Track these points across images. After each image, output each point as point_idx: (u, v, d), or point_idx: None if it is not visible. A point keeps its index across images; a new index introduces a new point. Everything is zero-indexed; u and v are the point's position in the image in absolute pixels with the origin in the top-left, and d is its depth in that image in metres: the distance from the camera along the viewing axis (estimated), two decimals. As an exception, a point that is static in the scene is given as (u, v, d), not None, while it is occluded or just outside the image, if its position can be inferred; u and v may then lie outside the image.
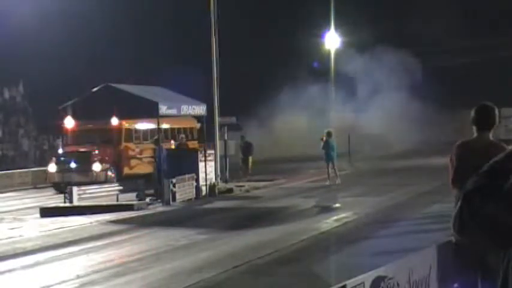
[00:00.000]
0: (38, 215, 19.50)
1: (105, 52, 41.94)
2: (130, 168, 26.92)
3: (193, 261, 12.19)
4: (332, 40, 44.95)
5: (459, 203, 2.12)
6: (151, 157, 26.28)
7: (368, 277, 5.81)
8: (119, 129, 26.80)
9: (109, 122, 25.15)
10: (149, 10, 44.48)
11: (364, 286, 5.65)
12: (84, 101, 25.71)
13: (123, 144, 27.22)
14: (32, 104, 39.98)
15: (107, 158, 26.61)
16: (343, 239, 14.14)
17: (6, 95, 40.78)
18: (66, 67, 39.75)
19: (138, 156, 27.51)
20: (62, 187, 25.61)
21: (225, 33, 26.58)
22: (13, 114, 40.45)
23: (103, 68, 37.04)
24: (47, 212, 19.61)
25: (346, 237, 14.26)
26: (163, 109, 25.00)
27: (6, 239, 15.69)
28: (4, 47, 30.51)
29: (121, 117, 25.13)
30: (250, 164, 29.27)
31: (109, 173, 26.47)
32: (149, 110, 24.27)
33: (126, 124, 26.80)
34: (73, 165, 26.32)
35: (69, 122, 26.42)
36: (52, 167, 27.04)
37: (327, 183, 25.74)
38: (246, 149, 29.36)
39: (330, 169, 26.07)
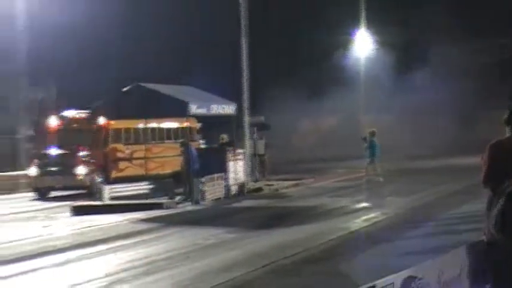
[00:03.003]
0: (69, 213, 19.68)
1: (135, 52, 42.23)
2: (119, 171, 24.77)
3: (222, 260, 12.21)
4: (362, 39, 44.81)
5: (501, 202, 2.09)
6: (145, 158, 25.07)
7: (398, 277, 5.76)
8: (105, 129, 24.77)
9: (95, 122, 24.10)
10: (178, 10, 44.66)
11: (393, 286, 5.61)
12: (115, 100, 25.91)
13: (111, 145, 24.93)
14: (64, 104, 40.30)
15: (92, 160, 24.56)
16: (372, 239, 14.06)
17: (40, 95, 41.27)
18: (97, 67, 40.08)
19: (128, 158, 25.27)
20: (44, 192, 24.77)
21: (253, 32, 26.52)
22: (46, 114, 40.80)
23: (133, 68, 37.27)
24: (78, 210, 19.77)
25: (375, 237, 14.18)
26: (193, 108, 25.05)
27: (38, 237, 15.86)
28: (38, 48, 30.93)
29: (151, 117, 25.15)
30: (267, 163, 28.58)
31: (95, 176, 24.40)
32: (179, 110, 24.34)
33: (113, 124, 24.87)
34: (55, 168, 24.42)
35: (53, 121, 25.97)
36: (33, 171, 25.01)
37: (380, 179, 25.61)
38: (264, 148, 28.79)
39: (376, 166, 25.91)
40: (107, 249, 13.99)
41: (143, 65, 38.91)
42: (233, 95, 26.42)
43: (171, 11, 44.33)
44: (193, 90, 27.54)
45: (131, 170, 24.94)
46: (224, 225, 16.65)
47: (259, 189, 24.50)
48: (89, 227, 17.18)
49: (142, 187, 22.56)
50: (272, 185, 25.82)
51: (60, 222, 18.47)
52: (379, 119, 38.72)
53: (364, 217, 17.29)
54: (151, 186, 22.42)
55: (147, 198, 21.45)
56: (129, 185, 22.81)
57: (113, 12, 40.53)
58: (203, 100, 26.15)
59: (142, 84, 26.06)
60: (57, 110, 27.29)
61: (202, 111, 24.87)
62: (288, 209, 19.97)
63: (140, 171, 24.80)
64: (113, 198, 21.01)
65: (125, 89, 26.32)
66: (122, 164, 25.00)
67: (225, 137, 25.03)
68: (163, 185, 22.50)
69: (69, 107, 26.44)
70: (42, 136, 26.38)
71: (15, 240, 15.29)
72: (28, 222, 18.64)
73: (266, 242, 14.05)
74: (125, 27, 42.03)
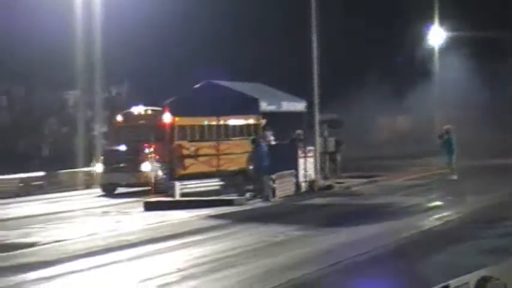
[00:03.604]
0: (142, 209, 19.99)
1: (205, 50, 42.59)
2: (184, 168, 24.44)
3: (290, 258, 12.18)
4: (436, 35, 44.04)
5: None
6: (212, 155, 24.96)
7: (472, 277, 5.62)
8: (171, 126, 24.31)
9: (161, 119, 23.99)
10: (247, 8, 44.85)
11: (468, 286, 5.48)
12: (187, 97, 26.20)
13: (176, 142, 24.50)
14: (137, 101, 40.96)
15: (158, 157, 24.27)
16: (445, 238, 13.81)
17: (113, 92, 42.10)
18: (170, 64, 40.59)
19: (193, 155, 24.83)
20: (110, 189, 24.76)
21: (323, 29, 26.30)
22: (119, 110, 41.52)
23: (206, 65, 37.57)
24: (150, 206, 20.04)
25: (448, 236, 13.92)
26: (263, 105, 25.13)
27: (111, 231, 16.17)
28: (110, 44, 31.50)
29: (222, 114, 25.24)
30: (338, 161, 28.29)
31: (159, 173, 24.16)
32: (250, 106, 24.45)
33: (179, 121, 24.51)
34: (121, 165, 24.40)
35: (119, 118, 25.93)
36: (99, 167, 25.22)
37: (455, 177, 25.29)
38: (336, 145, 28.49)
39: (451, 164, 25.64)
40: (178, 244, 14.15)
41: (215, 62, 39.21)
42: (304, 93, 26.31)
43: (241, 9, 44.57)
44: (263, 87, 27.62)
45: (196, 167, 24.81)
46: (293, 222, 16.61)
47: (330, 187, 24.36)
48: (161, 222, 17.41)
49: (212, 184, 22.71)
50: (343, 182, 25.63)
51: (133, 217, 18.80)
52: (455, 116, 37.95)
53: (437, 216, 16.99)
54: (221, 183, 22.56)
55: (217, 195, 21.58)
56: (199, 181, 22.92)
57: (187, 10, 40.99)
58: (273, 97, 26.20)
59: (214, 81, 26.30)
60: (128, 107, 27.57)
61: (272, 108, 24.92)
62: (359, 207, 19.80)
63: (205, 169, 24.80)
64: (183, 195, 21.24)
65: (196, 86, 26.62)
66: (187, 161, 24.86)
67: (300, 133, 24.68)
68: (233, 181, 22.60)
69: (141, 104, 26.70)
70: (113, 133, 26.80)
71: (89, 235, 15.63)
72: (101, 218, 19.04)
73: (336, 239, 13.94)
74: (198, 25, 42.45)
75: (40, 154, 36.28)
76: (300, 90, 26.72)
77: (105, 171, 24.89)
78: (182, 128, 24.76)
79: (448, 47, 46.06)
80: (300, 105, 26.06)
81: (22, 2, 32.54)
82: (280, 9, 43.52)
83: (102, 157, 25.72)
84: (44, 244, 14.53)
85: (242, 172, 23.30)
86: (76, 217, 19.20)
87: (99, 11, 30.19)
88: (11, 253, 13.50)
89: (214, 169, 24.79)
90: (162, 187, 23.30)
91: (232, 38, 44.00)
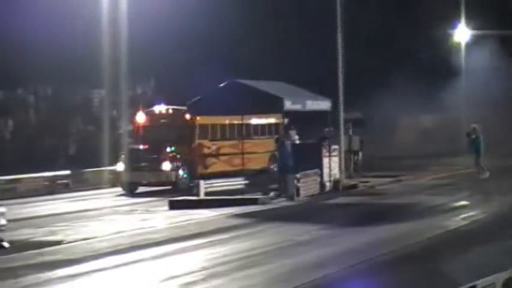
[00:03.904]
0: (167, 208, 20.07)
1: (230, 49, 42.63)
2: (205, 167, 24.55)
3: (315, 257, 12.15)
4: (462, 33, 43.66)
5: None
6: (231, 154, 25.04)
7: (499, 277, 5.57)
8: (192, 125, 24.54)
9: (182, 118, 24.00)
10: (271, 8, 44.83)
11: (495, 287, 5.42)
12: (210, 96, 26.24)
13: (197, 141, 24.73)
14: (163, 99, 41.08)
15: (178, 156, 24.29)
16: (471, 237, 13.70)
17: (139, 90, 42.32)
18: (196, 62, 40.69)
19: (214, 154, 25.05)
20: (132, 188, 24.57)
21: (348, 27, 26.17)
22: (140, 109, 41.70)
23: (231, 64, 37.63)
24: (175, 205, 20.12)
25: (474, 236, 13.80)
26: (288, 104, 25.06)
27: (137, 229, 16.26)
28: (136, 42, 31.66)
29: (245, 113, 25.21)
30: (362, 160, 28.13)
31: (180, 172, 24.26)
32: (274, 106, 24.38)
33: (200, 120, 24.55)
34: (142, 164, 24.37)
35: (140, 117, 25.90)
36: (120, 166, 25.10)
37: (487, 175, 25.28)
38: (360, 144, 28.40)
39: (480, 163, 25.73)
40: (203, 243, 14.18)
41: (237, 60, 39.26)
42: (329, 92, 26.21)
43: (266, 8, 44.56)
44: (287, 86, 27.52)
45: (218, 166, 24.87)
46: (318, 221, 16.58)
47: (355, 186, 24.28)
48: (186, 221, 17.47)
49: (236, 183, 22.73)
50: (368, 181, 25.53)
51: (158, 215, 18.89)
52: (483, 115, 37.63)
53: (463, 215, 16.86)
54: (245, 182, 22.58)
55: (241, 194, 21.60)
56: (224, 180, 22.96)
57: (212, 9, 41.07)
58: (297, 96, 26.11)
59: (238, 80, 26.30)
60: (153, 105, 27.68)
61: (296, 107, 24.79)
62: (384, 206, 19.71)
63: (227, 167, 24.78)
64: (207, 194, 21.29)
65: (221, 85, 26.66)
66: (208, 160, 24.88)
67: (331, 130, 24.55)
68: (256, 180, 22.59)
69: (163, 103, 26.76)
70: (135, 131, 26.93)
71: (114, 233, 15.73)
72: (126, 216, 19.14)
73: (361, 239, 13.89)
74: (223, 23, 42.51)
75: (66, 153, 36.56)
76: (325, 89, 26.64)
77: (127, 170, 24.80)
78: (204, 127, 24.78)
79: (475, 45, 45.62)
80: (324, 104, 25.93)
81: (48, 2, 32.79)
82: (306, 8, 43.43)
83: (123, 156, 25.70)
84: (70, 242, 14.66)
85: (265, 171, 23.28)
86: (101, 215, 19.33)
87: (125, 9, 30.33)
88: (37, 251, 13.63)
89: (236, 168, 24.79)
90: (183, 186, 23.37)
91: (255, 37, 43.99)
